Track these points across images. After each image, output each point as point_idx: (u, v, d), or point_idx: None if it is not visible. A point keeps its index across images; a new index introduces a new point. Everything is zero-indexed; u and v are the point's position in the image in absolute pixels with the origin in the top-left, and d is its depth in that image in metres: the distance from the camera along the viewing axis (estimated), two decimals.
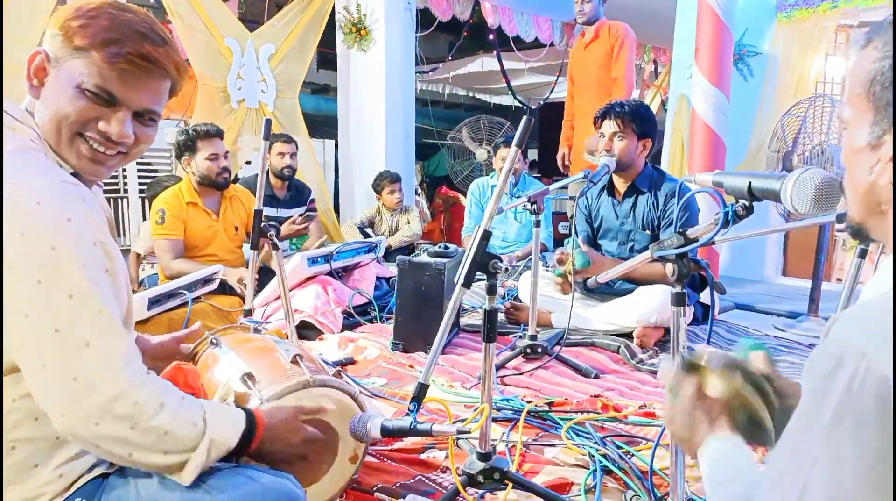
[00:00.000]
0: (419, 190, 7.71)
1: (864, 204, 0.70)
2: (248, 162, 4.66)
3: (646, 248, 1.56)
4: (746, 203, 1.12)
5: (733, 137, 3.72)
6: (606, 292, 2.81)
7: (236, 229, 3.07)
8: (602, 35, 3.90)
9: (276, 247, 1.99)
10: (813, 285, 3.39)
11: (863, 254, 1.80)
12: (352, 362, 2.38)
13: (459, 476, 1.41)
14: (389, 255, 3.91)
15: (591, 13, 3.86)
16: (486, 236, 1.42)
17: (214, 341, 1.52)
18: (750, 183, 1.08)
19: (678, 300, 1.29)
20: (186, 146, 2.90)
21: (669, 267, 1.30)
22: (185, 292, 2.35)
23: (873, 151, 0.67)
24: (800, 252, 4.57)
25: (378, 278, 3.25)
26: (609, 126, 2.60)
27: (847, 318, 0.62)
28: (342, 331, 2.75)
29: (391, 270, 3.21)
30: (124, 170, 3.87)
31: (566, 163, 4.21)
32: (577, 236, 2.89)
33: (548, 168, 7.83)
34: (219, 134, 2.96)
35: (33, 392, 0.85)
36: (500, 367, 2.32)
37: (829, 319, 0.65)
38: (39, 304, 0.83)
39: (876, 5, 4.10)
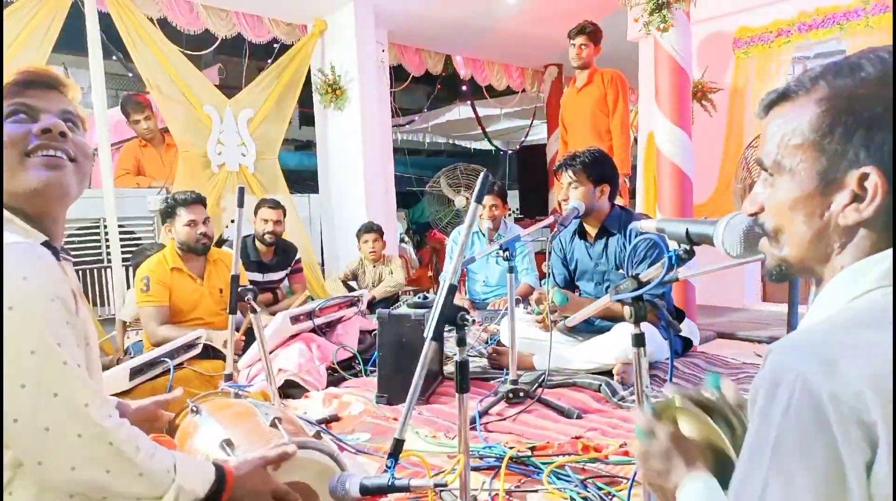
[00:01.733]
0: (405, 237, 7.78)
1: (812, 248, 0.74)
2: (233, 220, 4.73)
3: None
4: (688, 247, 1.19)
5: (701, 172, 3.83)
6: (586, 330, 2.86)
7: (221, 291, 3.11)
8: (596, 80, 4.23)
9: (254, 311, 2.03)
10: (790, 310, 3.44)
11: (819, 281, 1.85)
12: (336, 418, 2.39)
13: None
14: (374, 306, 3.94)
15: (586, 59, 4.19)
16: (452, 289, 1.47)
17: (195, 408, 1.55)
18: (687, 229, 1.15)
19: (636, 341, 1.34)
20: (167, 213, 2.98)
21: (626, 310, 1.36)
22: (166, 359, 2.37)
23: (825, 197, 0.71)
24: None
25: (362, 332, 3.28)
26: (565, 178, 2.72)
27: (781, 346, 0.66)
28: (327, 387, 2.76)
29: (375, 322, 3.24)
30: (107, 239, 3.92)
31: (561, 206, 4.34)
32: (553, 277, 2.96)
33: (529, 210, 7.95)
34: (199, 200, 3.03)
35: (10, 445, 0.88)
36: (483, 413, 2.34)
37: (766, 349, 0.70)
38: (3, 362, 0.86)
39: (827, 38, 4.30)
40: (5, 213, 0.98)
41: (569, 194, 2.69)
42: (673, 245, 1.28)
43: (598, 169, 2.70)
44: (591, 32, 4.13)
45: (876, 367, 0.58)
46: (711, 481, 0.80)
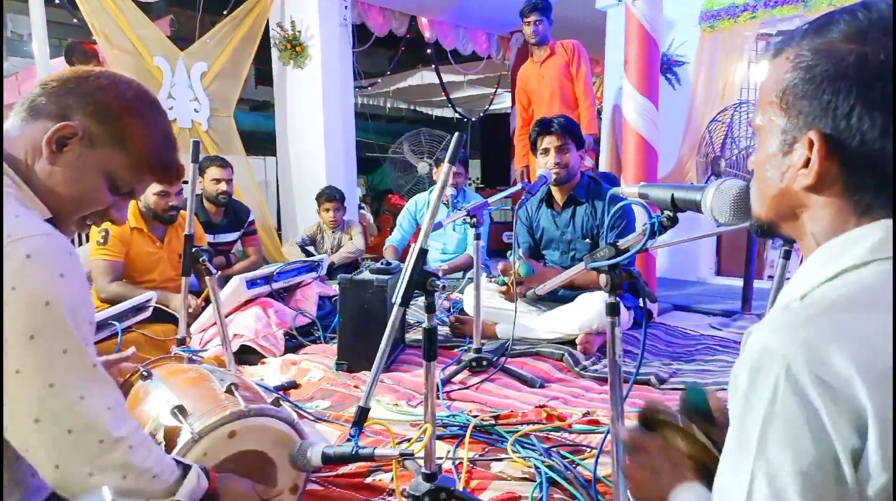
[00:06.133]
0: (363, 205, 7.65)
1: (775, 207, 0.73)
2: (186, 181, 4.53)
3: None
4: (671, 214, 1.15)
5: (664, 145, 3.83)
6: (550, 299, 2.84)
7: (180, 256, 2.97)
8: (558, 51, 4.22)
9: (209, 272, 1.93)
10: (745, 283, 3.52)
11: (787, 255, 1.87)
12: (295, 385, 2.32)
13: (405, 498, 1.39)
14: (333, 272, 3.85)
15: (544, 34, 4.17)
16: (423, 253, 1.41)
17: (145, 373, 1.46)
18: (673, 195, 1.11)
19: (611, 310, 1.31)
20: None
21: (603, 278, 1.32)
22: (114, 322, 2.25)
23: (784, 157, 0.69)
24: (732, 252, 4.75)
25: (321, 298, 3.19)
26: (551, 141, 2.66)
27: (761, 328, 0.62)
28: (285, 354, 2.68)
29: (334, 288, 3.16)
30: None
31: (526, 179, 4.29)
32: (519, 248, 2.92)
33: (491, 179, 7.90)
34: None
35: (24, 447, 0.85)
36: (446, 382, 2.31)
37: (746, 331, 0.66)
38: (33, 359, 0.82)
39: (791, 15, 4.33)
40: (16, 178, 0.92)
41: (560, 157, 2.65)
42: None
43: (578, 133, 2.71)
44: (543, 7, 4.08)
45: (864, 351, 0.55)
46: (703, 490, 0.77)
